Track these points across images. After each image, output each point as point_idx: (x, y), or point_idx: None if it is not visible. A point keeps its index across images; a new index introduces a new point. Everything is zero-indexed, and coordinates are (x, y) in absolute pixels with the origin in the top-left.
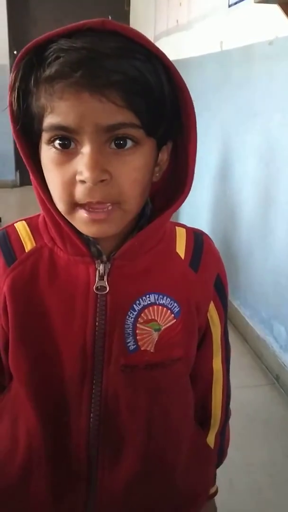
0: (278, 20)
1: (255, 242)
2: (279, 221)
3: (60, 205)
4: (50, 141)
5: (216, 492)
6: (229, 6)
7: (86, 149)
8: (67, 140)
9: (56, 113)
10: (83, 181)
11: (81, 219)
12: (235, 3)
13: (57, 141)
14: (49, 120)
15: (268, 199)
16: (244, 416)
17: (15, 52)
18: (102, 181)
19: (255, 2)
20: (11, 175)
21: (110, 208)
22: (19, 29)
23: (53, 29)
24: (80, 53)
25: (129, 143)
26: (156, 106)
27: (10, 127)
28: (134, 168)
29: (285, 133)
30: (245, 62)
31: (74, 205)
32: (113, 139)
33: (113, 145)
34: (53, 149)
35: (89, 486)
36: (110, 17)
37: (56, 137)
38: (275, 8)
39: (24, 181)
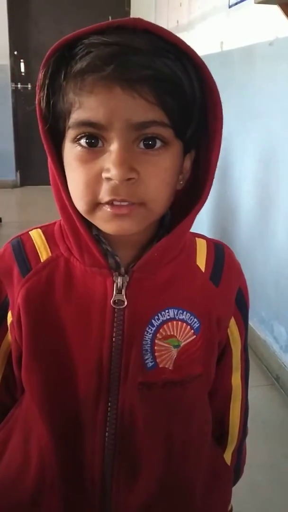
0: (278, 20)
1: (255, 242)
2: (279, 222)
3: (81, 204)
4: (76, 139)
5: (231, 510)
6: (230, 6)
7: (114, 146)
8: (94, 139)
9: (85, 108)
10: (109, 179)
11: (102, 216)
12: (236, 4)
13: (84, 139)
14: (77, 115)
15: (268, 200)
16: None
17: (15, 53)
18: (129, 179)
19: (256, 3)
20: (12, 175)
21: (133, 205)
22: (20, 29)
23: (53, 29)
24: (112, 48)
25: (158, 143)
26: (186, 105)
27: (39, 127)
28: (163, 169)
29: (286, 133)
30: (246, 62)
31: (96, 204)
32: (142, 139)
33: (141, 145)
34: (79, 147)
35: (103, 508)
36: (110, 18)
37: (83, 134)
38: (276, 9)
39: (24, 181)
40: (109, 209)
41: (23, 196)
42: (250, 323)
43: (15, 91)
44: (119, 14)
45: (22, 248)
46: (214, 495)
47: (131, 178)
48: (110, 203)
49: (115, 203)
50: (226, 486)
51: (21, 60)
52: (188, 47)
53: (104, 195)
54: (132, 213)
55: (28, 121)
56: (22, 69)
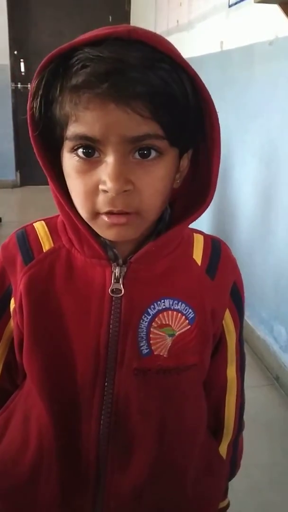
0: (278, 20)
1: (255, 243)
2: (279, 222)
3: (83, 212)
4: (74, 149)
5: (227, 506)
6: (229, 6)
7: (110, 159)
8: (90, 149)
9: (81, 122)
10: (105, 191)
11: (101, 224)
12: (235, 3)
13: (81, 150)
14: (74, 129)
15: (268, 200)
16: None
17: (15, 52)
18: (125, 191)
19: (255, 2)
20: (12, 175)
21: (130, 214)
22: (19, 29)
23: (53, 29)
24: (107, 63)
25: (153, 154)
26: (181, 116)
27: (29, 132)
28: (157, 178)
29: (286, 133)
30: (246, 62)
31: (96, 213)
32: (137, 149)
33: (136, 155)
34: (76, 157)
35: (97, 489)
36: (110, 18)
37: (79, 145)
38: (275, 8)
39: (24, 181)
40: (107, 219)
41: (23, 196)
42: (250, 323)
43: (15, 91)
44: (119, 13)
45: (26, 238)
46: (205, 486)
47: (127, 190)
48: (107, 213)
49: (113, 213)
50: (219, 479)
51: (21, 60)
52: (181, 58)
53: (102, 206)
54: (129, 222)
55: None
56: (22, 69)
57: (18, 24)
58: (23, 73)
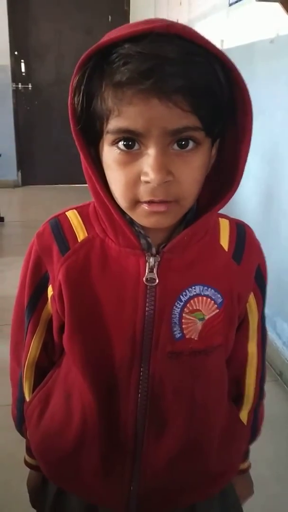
0: (279, 18)
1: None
2: (281, 219)
3: (122, 202)
4: (115, 142)
5: (248, 468)
6: (230, 4)
7: (151, 151)
8: (131, 142)
9: (124, 117)
10: (147, 182)
11: (142, 213)
12: (236, 2)
13: (122, 142)
14: (116, 123)
15: (270, 197)
16: None
17: (16, 53)
18: (165, 181)
19: (256, 0)
20: (13, 175)
21: (169, 203)
22: (20, 29)
23: (53, 29)
24: (149, 59)
25: (191, 144)
26: (217, 108)
27: (71, 126)
28: (195, 168)
29: (287, 131)
30: (247, 60)
31: (136, 202)
32: (176, 141)
33: (175, 146)
34: (117, 150)
35: (134, 460)
36: (110, 18)
37: (121, 138)
38: (276, 6)
39: (25, 181)
40: (147, 208)
41: (24, 196)
42: None
43: (15, 91)
44: (119, 13)
45: (60, 228)
46: (228, 452)
47: (168, 180)
48: (148, 202)
49: (154, 202)
50: (240, 443)
51: (22, 60)
52: (219, 51)
53: (143, 196)
54: (168, 210)
55: (29, 121)
56: (23, 69)
57: (19, 25)
58: (23, 74)
